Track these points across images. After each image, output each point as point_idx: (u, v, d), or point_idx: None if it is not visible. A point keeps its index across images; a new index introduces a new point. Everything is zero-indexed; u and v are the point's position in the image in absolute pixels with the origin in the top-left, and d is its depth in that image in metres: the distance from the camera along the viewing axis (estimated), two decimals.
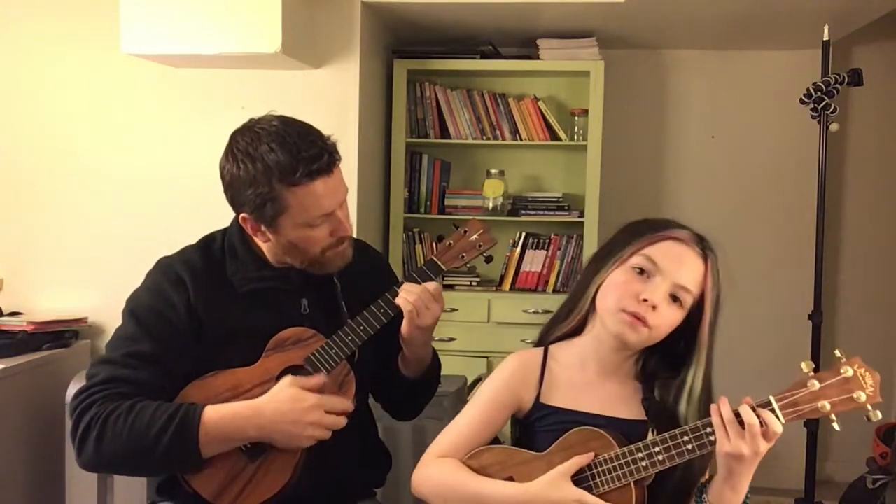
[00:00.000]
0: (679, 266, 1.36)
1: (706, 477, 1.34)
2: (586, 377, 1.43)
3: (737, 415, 1.22)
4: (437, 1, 3.03)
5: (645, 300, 1.33)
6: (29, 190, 2.98)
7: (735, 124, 3.76)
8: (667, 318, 1.35)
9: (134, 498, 2.42)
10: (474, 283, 3.54)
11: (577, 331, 1.47)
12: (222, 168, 1.54)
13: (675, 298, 1.36)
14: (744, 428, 1.21)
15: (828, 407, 1.19)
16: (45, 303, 2.98)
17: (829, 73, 2.76)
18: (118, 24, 2.66)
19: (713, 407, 1.24)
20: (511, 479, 1.38)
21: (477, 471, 1.41)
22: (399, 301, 1.56)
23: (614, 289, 1.37)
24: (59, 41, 2.97)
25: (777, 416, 1.21)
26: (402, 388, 1.72)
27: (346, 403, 1.53)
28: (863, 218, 3.75)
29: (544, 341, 1.50)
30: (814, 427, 2.81)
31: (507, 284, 3.58)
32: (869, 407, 1.19)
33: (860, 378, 1.19)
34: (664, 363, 1.41)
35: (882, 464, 3.07)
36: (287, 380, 1.50)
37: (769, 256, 3.75)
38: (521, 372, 1.47)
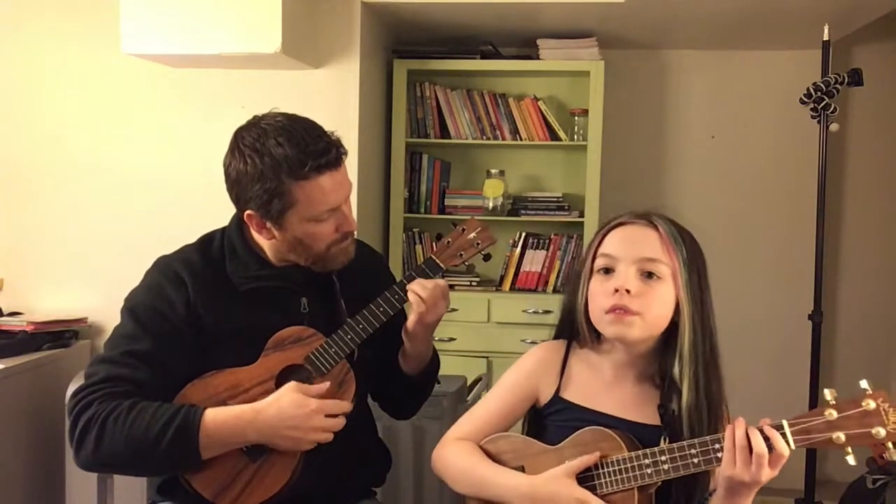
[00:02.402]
0: (632, 244, 1.38)
1: (709, 490, 1.32)
2: (604, 378, 1.43)
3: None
4: (437, 1, 3.03)
5: (617, 290, 1.34)
6: (29, 190, 2.99)
7: (735, 124, 3.76)
8: (651, 298, 1.34)
9: (134, 498, 2.42)
10: (474, 283, 3.54)
11: (594, 342, 1.45)
12: (227, 165, 1.54)
13: (649, 275, 1.35)
14: (752, 454, 1.18)
15: (843, 439, 1.15)
16: (45, 303, 2.98)
17: (829, 73, 2.76)
18: (118, 24, 2.66)
19: (728, 428, 1.22)
20: (523, 468, 1.39)
21: (493, 455, 1.43)
22: (410, 296, 1.56)
23: (594, 299, 1.39)
24: (59, 41, 2.97)
25: (788, 442, 1.18)
26: (401, 385, 1.72)
27: (346, 405, 1.53)
28: (863, 218, 3.75)
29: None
30: None
31: (507, 284, 3.58)
32: (890, 445, 1.13)
33: (883, 413, 1.13)
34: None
35: (882, 464, 3.06)
36: (291, 385, 1.50)
37: (769, 256, 3.76)
38: (544, 363, 1.48)
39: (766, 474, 1.19)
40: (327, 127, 1.56)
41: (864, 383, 1.17)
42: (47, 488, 2.65)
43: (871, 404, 1.14)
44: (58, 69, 2.98)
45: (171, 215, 2.94)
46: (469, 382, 2.60)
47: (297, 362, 1.55)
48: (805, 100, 2.75)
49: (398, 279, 1.63)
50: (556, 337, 1.51)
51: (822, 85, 2.71)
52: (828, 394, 1.17)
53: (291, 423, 1.46)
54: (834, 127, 2.77)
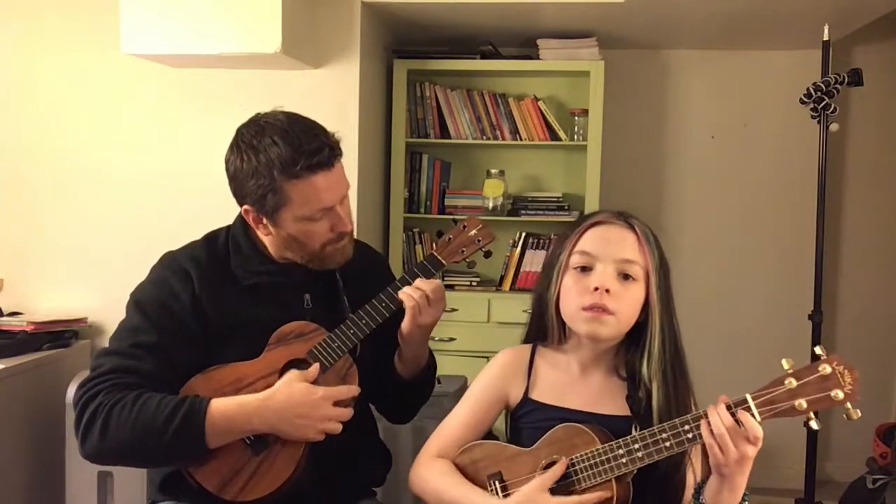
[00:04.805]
0: (610, 244, 1.40)
1: (701, 476, 1.33)
2: (571, 375, 1.46)
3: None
4: (437, 1, 3.03)
5: (596, 288, 1.37)
6: (29, 190, 2.98)
7: (735, 124, 3.77)
8: (626, 298, 1.38)
9: (134, 497, 2.42)
10: (474, 283, 3.54)
11: (561, 339, 1.49)
12: (227, 160, 1.57)
13: (625, 276, 1.39)
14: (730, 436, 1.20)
15: (805, 405, 1.18)
16: (45, 303, 2.98)
17: (829, 73, 2.76)
18: (118, 24, 2.66)
19: (703, 424, 1.24)
20: (500, 473, 1.41)
21: (468, 465, 1.44)
22: (403, 296, 1.57)
23: (567, 294, 1.41)
24: (59, 41, 2.97)
25: (753, 416, 1.20)
26: (398, 389, 1.73)
27: (353, 389, 1.54)
28: (863, 218, 3.75)
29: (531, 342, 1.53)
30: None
31: (507, 284, 3.58)
32: (848, 405, 1.17)
33: (839, 376, 1.17)
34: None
35: (882, 464, 3.07)
36: (293, 374, 1.51)
37: (769, 256, 3.76)
38: (510, 367, 1.51)
39: (751, 449, 1.21)
40: (327, 127, 1.57)
41: (818, 349, 1.21)
42: (47, 488, 2.64)
43: (827, 369, 1.18)
44: (58, 69, 2.97)
45: (171, 215, 2.94)
46: (469, 382, 2.59)
47: (300, 356, 1.56)
48: (805, 100, 2.75)
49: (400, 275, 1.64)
50: (527, 336, 1.54)
51: (822, 85, 2.71)
52: (785, 363, 1.21)
53: (301, 410, 1.48)
54: (834, 127, 2.77)
